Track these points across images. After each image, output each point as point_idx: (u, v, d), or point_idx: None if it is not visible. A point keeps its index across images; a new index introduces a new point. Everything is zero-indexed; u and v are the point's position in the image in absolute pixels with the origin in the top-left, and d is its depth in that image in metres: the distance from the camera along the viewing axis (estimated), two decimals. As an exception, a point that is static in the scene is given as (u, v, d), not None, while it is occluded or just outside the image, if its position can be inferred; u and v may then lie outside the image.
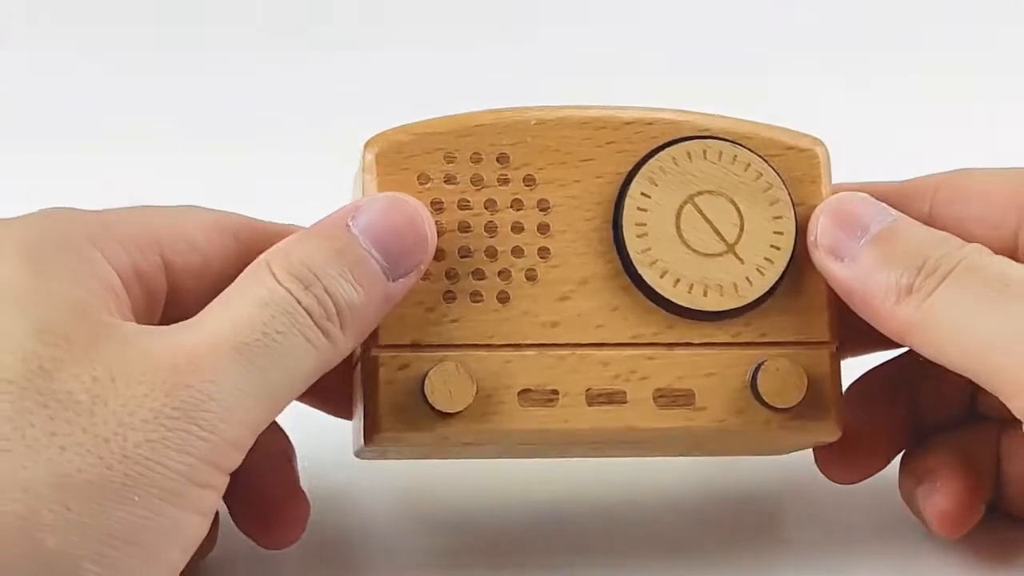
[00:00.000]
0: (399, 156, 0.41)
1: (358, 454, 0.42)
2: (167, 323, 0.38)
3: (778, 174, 0.42)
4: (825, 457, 0.45)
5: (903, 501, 0.45)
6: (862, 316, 0.41)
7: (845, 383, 0.43)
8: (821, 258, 0.41)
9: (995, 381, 0.38)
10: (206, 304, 0.38)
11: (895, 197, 0.42)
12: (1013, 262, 0.39)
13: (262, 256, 0.38)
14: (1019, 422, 0.38)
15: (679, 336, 0.41)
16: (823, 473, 0.45)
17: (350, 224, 0.39)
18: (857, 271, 0.40)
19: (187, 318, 0.38)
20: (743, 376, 0.41)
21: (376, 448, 0.41)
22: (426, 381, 0.39)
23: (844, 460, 0.44)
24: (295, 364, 0.37)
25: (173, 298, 0.40)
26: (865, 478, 0.45)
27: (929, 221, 0.42)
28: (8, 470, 0.34)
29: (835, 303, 0.42)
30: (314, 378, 0.38)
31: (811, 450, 0.44)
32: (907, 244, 0.40)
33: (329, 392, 0.42)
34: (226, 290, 0.38)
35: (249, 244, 0.41)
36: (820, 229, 0.41)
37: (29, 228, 0.38)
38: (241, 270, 0.39)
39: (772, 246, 0.41)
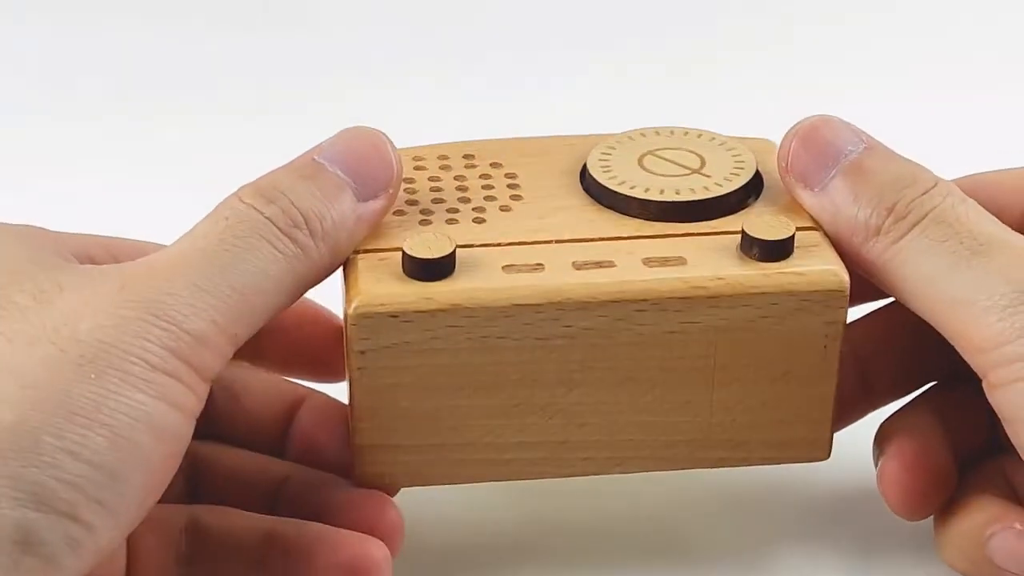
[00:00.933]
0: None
1: None
2: None
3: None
4: (894, 495, 0.42)
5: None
6: (832, 240, 0.40)
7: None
8: (791, 183, 0.41)
9: (957, 338, 0.38)
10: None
11: (1004, 188, 0.42)
12: (985, 214, 0.39)
13: (235, 192, 0.39)
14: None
15: (661, 229, 0.41)
16: (897, 512, 0.42)
17: (316, 157, 0.39)
18: (827, 202, 0.40)
19: None
20: (734, 248, 0.40)
21: (365, 339, 0.39)
22: (404, 244, 0.39)
23: (913, 493, 0.42)
24: (259, 267, 0.37)
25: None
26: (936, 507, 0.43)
27: None
28: None
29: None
30: (291, 287, 0.38)
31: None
32: (877, 180, 0.39)
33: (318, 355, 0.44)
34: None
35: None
36: (792, 154, 0.41)
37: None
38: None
39: (736, 166, 0.42)
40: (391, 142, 0.40)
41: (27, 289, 0.36)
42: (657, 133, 0.44)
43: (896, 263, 0.39)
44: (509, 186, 0.42)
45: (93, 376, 0.34)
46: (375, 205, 0.40)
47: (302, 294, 0.39)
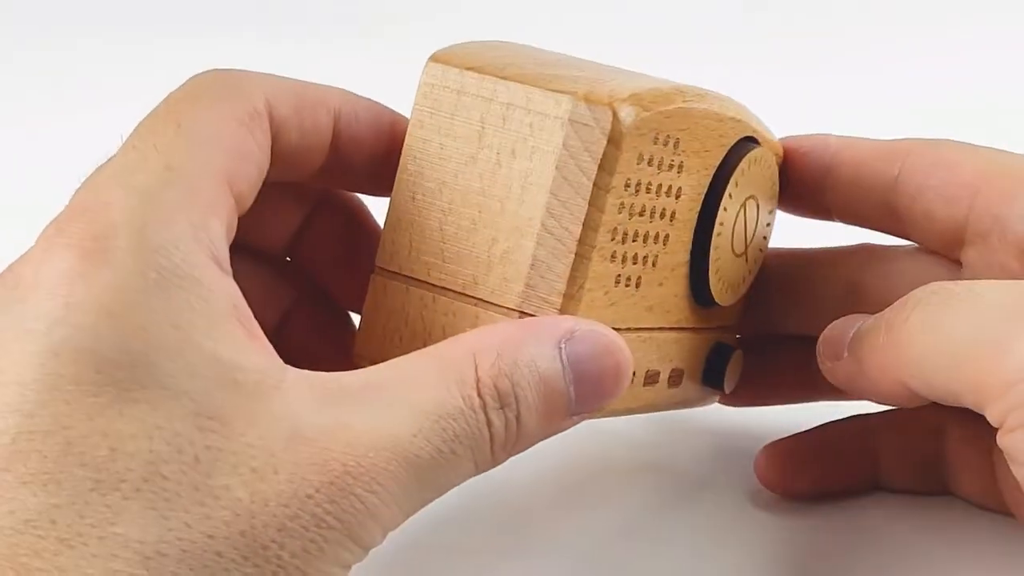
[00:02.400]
0: (638, 134, 0.38)
1: None
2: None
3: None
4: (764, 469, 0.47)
5: None
6: (863, 392, 0.42)
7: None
8: (828, 369, 0.43)
9: (974, 392, 0.38)
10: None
11: (871, 155, 0.44)
12: (967, 281, 0.40)
13: (467, 342, 0.35)
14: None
15: (697, 322, 0.43)
16: (765, 484, 0.47)
17: (563, 347, 0.35)
18: (856, 361, 0.42)
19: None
20: (702, 358, 0.44)
21: None
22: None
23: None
24: (456, 478, 0.35)
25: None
26: (811, 491, 0.47)
27: (895, 186, 0.44)
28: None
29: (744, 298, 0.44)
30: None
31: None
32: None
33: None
34: (409, 365, 0.35)
35: (281, 114, 0.38)
36: (823, 351, 0.43)
37: (141, 246, 0.33)
38: (277, 148, 0.37)
39: (759, 249, 0.45)
40: (631, 362, 0.37)
41: (241, 469, 0.32)
42: (758, 161, 0.43)
43: (906, 348, 0.39)
44: (672, 214, 0.40)
45: None
46: (576, 420, 0.36)
47: None
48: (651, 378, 0.42)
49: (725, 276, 0.43)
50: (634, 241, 0.39)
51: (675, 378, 0.43)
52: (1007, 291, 0.39)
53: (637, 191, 0.38)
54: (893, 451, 0.46)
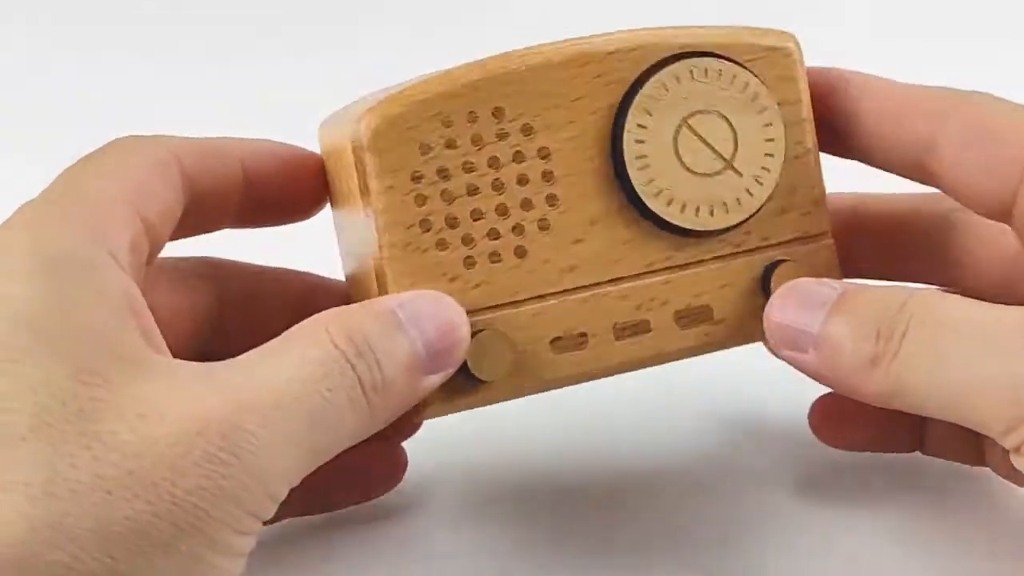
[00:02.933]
0: (397, 130, 0.40)
1: None
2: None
3: (762, 81, 0.42)
4: (819, 421, 0.47)
5: None
6: (842, 393, 0.40)
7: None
8: (787, 356, 0.41)
9: (982, 427, 0.38)
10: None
11: (901, 109, 0.42)
12: (957, 301, 0.39)
13: (315, 318, 0.38)
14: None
15: (690, 256, 0.42)
16: (818, 436, 0.47)
17: (397, 311, 0.38)
18: (823, 357, 0.40)
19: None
20: (753, 282, 0.43)
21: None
22: (469, 356, 0.40)
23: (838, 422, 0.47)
24: (339, 426, 0.36)
25: (152, 249, 0.40)
26: (862, 446, 0.47)
27: (930, 148, 0.41)
28: (54, 518, 0.33)
29: (822, 195, 0.43)
30: (347, 445, 0.37)
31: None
32: (860, 317, 0.39)
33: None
34: (274, 341, 0.37)
35: (191, 165, 0.41)
36: (774, 335, 0.41)
37: (36, 239, 0.37)
38: (191, 196, 0.41)
39: (766, 154, 0.42)
40: (467, 321, 0.39)
41: (127, 416, 0.34)
42: (691, 75, 0.41)
43: (900, 382, 0.38)
44: (544, 175, 0.41)
45: (184, 548, 0.34)
46: (433, 381, 0.39)
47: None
48: (633, 328, 0.42)
49: (691, 199, 0.42)
50: (477, 220, 0.40)
51: (695, 316, 0.42)
52: (998, 318, 0.38)
53: (446, 177, 0.40)
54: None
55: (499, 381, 0.40)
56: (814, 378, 0.40)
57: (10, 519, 0.33)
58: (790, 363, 0.41)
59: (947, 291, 0.44)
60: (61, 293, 0.36)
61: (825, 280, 0.41)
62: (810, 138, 0.43)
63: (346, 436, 0.37)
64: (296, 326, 0.38)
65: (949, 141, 0.41)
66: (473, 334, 0.40)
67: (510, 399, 0.41)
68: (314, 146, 0.44)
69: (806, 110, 0.43)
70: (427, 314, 0.39)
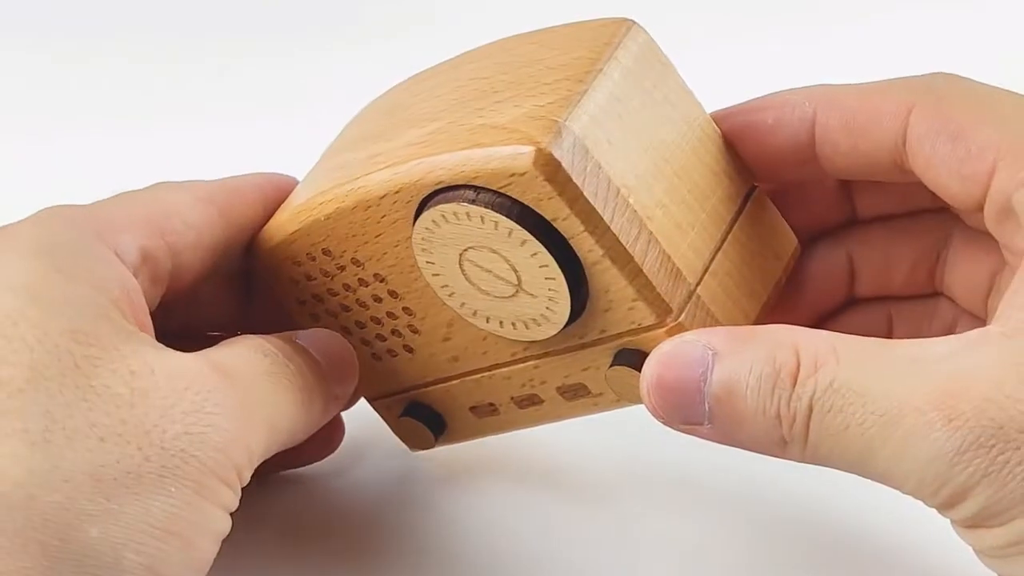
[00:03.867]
0: (270, 270, 0.45)
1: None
2: (169, 303, 0.43)
3: (509, 216, 0.39)
4: None
5: None
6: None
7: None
8: (684, 430, 0.38)
9: (919, 498, 0.37)
10: (204, 277, 0.43)
11: (864, 116, 0.40)
12: (858, 363, 0.36)
13: (240, 338, 0.42)
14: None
15: (542, 348, 0.43)
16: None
17: (297, 339, 0.43)
18: (722, 434, 0.38)
19: (187, 295, 0.43)
20: (608, 364, 0.42)
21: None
22: (396, 429, 0.48)
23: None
24: (285, 408, 0.41)
25: (176, 275, 0.43)
26: None
27: (901, 149, 0.40)
28: (49, 461, 0.35)
29: (641, 292, 0.40)
30: (286, 442, 0.41)
31: None
32: (747, 399, 0.37)
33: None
34: (220, 344, 0.41)
35: (224, 207, 0.44)
36: (660, 413, 0.38)
37: (42, 230, 0.40)
38: (225, 236, 0.43)
39: (547, 278, 0.40)
40: (350, 348, 0.44)
41: (120, 372, 0.37)
42: (445, 219, 0.40)
43: (824, 460, 0.37)
44: (391, 293, 0.44)
45: (173, 490, 0.36)
46: (334, 407, 0.44)
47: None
48: (528, 400, 0.45)
49: (504, 317, 0.42)
50: (362, 328, 0.45)
51: (574, 391, 0.44)
52: (913, 389, 0.36)
53: (320, 300, 0.45)
54: (883, 255, 0.44)
55: (445, 439, 0.48)
56: (716, 442, 0.38)
57: (9, 463, 0.35)
58: (690, 435, 0.38)
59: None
60: (59, 269, 0.38)
61: (691, 341, 0.38)
62: (598, 246, 0.39)
63: (289, 424, 0.41)
64: (228, 340, 0.42)
65: (917, 141, 0.39)
66: (415, 408, 0.47)
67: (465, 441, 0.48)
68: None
69: (580, 222, 0.39)
70: (324, 343, 0.43)
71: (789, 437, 0.37)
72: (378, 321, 0.44)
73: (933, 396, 0.35)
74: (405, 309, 0.44)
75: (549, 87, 0.39)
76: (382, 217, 0.41)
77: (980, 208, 0.39)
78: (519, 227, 0.39)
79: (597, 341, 0.41)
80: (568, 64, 0.40)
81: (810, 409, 0.36)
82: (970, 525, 0.36)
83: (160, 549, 0.36)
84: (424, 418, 0.47)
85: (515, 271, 0.40)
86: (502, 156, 0.38)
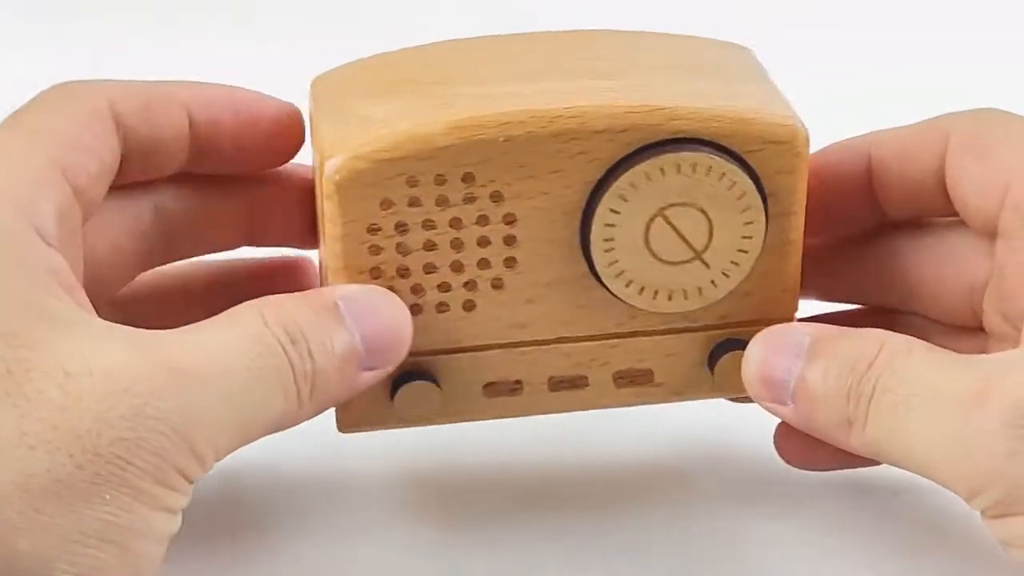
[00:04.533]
0: (359, 185, 0.39)
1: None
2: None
3: (754, 178, 0.40)
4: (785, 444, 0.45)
5: None
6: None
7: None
8: (769, 408, 0.41)
9: (953, 489, 0.38)
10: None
11: (912, 146, 0.42)
12: (920, 359, 0.39)
13: (252, 302, 0.38)
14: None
15: (642, 324, 0.42)
16: (784, 458, 0.46)
17: (339, 303, 0.39)
18: (801, 414, 0.40)
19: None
20: (701, 356, 0.43)
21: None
22: (395, 397, 0.42)
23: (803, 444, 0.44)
24: (266, 407, 0.37)
25: (87, 213, 0.40)
26: (827, 467, 0.46)
27: (941, 173, 0.42)
28: None
29: (795, 285, 0.43)
30: (275, 429, 0.38)
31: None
32: (830, 375, 0.39)
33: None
34: (209, 320, 0.38)
35: (128, 112, 0.41)
36: (753, 388, 0.41)
37: None
38: (129, 145, 0.40)
39: (740, 250, 0.41)
40: (410, 320, 0.40)
41: (53, 373, 0.35)
42: (678, 169, 0.40)
43: (873, 443, 0.39)
44: (506, 239, 0.41)
45: (108, 497, 0.34)
46: (371, 377, 0.39)
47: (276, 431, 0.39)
48: (570, 383, 0.43)
49: (652, 284, 0.41)
50: (429, 273, 0.41)
51: (634, 378, 0.43)
52: (954, 381, 0.38)
53: (404, 231, 0.40)
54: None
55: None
56: (794, 423, 0.41)
57: None
58: (772, 413, 0.41)
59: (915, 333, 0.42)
60: None
61: (796, 327, 0.41)
62: (797, 230, 0.42)
63: (274, 419, 0.38)
64: (233, 308, 0.38)
65: (950, 159, 0.42)
66: (406, 377, 0.41)
67: (424, 425, 0.43)
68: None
69: (799, 202, 0.41)
70: (370, 309, 0.39)
71: (853, 417, 0.39)
72: (459, 268, 0.41)
73: (975, 386, 0.37)
74: (508, 260, 0.41)
75: (742, 77, 0.42)
76: (579, 153, 0.40)
77: (993, 227, 0.41)
78: (755, 192, 0.40)
79: (708, 327, 0.43)
80: (720, 66, 0.42)
81: (873, 390, 0.38)
82: (997, 514, 0.37)
83: (96, 558, 0.34)
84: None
85: (710, 236, 0.41)
86: (762, 121, 0.40)
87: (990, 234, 0.42)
